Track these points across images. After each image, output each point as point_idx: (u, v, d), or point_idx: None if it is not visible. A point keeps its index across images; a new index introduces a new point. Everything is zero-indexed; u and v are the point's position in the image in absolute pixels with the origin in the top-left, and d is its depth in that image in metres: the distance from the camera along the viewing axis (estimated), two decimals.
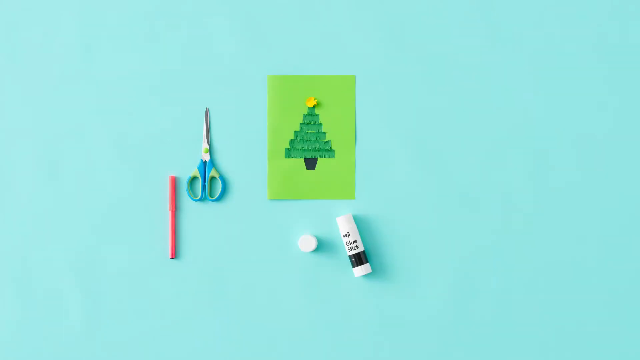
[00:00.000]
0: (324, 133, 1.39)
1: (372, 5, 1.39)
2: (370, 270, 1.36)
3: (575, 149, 1.39)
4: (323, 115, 1.38)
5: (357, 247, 1.35)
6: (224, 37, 1.39)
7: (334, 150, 1.38)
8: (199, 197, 1.39)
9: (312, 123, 1.39)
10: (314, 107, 1.38)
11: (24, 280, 1.39)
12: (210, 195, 1.39)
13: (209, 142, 1.39)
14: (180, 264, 1.39)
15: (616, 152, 1.39)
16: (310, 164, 1.39)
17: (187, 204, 1.39)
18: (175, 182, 1.39)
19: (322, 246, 1.39)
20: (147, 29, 1.39)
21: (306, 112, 1.39)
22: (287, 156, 1.39)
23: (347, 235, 1.35)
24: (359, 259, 1.35)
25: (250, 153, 1.39)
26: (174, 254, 1.38)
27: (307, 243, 1.34)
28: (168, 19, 1.39)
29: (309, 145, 1.39)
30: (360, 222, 1.39)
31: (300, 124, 1.39)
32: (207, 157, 1.38)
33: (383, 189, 1.39)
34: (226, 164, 1.39)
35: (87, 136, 1.39)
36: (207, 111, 1.38)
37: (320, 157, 1.39)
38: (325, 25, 1.39)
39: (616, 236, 1.39)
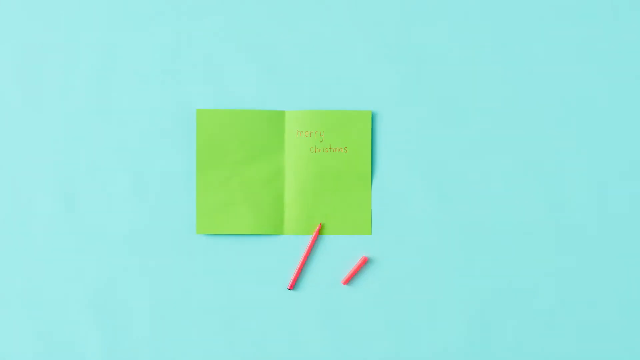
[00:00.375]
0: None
1: (390, 40, 1.39)
2: None
3: (597, 186, 1.38)
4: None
5: None
6: (240, 73, 1.39)
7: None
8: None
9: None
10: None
11: (42, 317, 1.39)
12: None
13: None
14: (203, 296, 1.39)
15: (638, 187, 1.39)
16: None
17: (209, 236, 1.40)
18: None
19: (340, 281, 1.39)
20: (163, 66, 1.40)
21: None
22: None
23: None
24: None
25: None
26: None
27: None
28: (184, 57, 1.40)
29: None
30: (376, 257, 1.39)
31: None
32: None
33: (400, 224, 1.39)
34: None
35: (104, 170, 1.39)
36: None
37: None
38: (343, 60, 1.39)
39: (638, 276, 1.38)
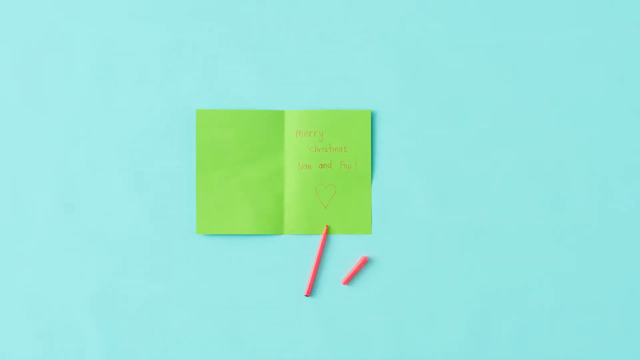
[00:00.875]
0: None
1: (390, 40, 1.40)
2: None
3: (597, 186, 1.38)
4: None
5: None
6: (240, 73, 1.40)
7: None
8: None
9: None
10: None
11: (42, 317, 1.39)
12: None
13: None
14: (203, 297, 1.39)
15: (638, 188, 1.39)
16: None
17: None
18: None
19: (339, 282, 1.39)
20: (163, 66, 1.40)
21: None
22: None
23: None
24: None
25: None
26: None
27: None
28: (184, 57, 1.40)
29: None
30: (376, 257, 1.39)
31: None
32: None
33: (400, 224, 1.39)
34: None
35: (104, 170, 1.39)
36: None
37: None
38: (342, 60, 1.40)
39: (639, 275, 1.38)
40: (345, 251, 1.39)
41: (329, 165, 1.39)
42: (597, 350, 1.38)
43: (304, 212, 1.38)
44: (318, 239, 1.39)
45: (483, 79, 1.39)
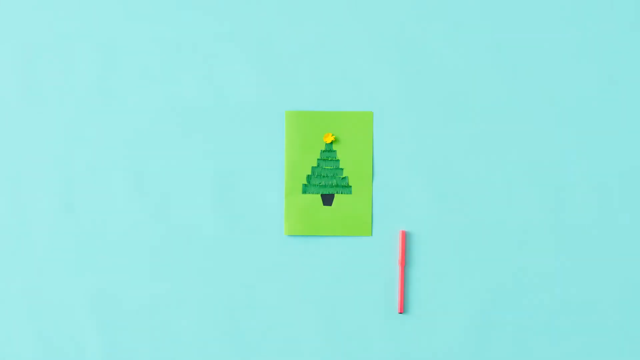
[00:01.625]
0: (341, 169, 1.39)
1: (390, 41, 1.40)
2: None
3: (597, 186, 1.38)
4: (340, 151, 1.39)
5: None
6: (241, 72, 1.39)
7: (351, 186, 1.39)
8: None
9: (329, 159, 1.39)
10: (331, 143, 1.39)
11: (42, 317, 1.39)
12: None
13: None
14: (203, 297, 1.39)
15: (638, 189, 1.39)
16: (327, 200, 1.39)
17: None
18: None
19: (339, 283, 1.39)
20: (165, 66, 1.40)
21: (324, 148, 1.39)
22: (304, 192, 1.39)
23: None
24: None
25: (267, 188, 1.39)
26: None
27: None
28: (185, 56, 1.40)
29: (326, 181, 1.39)
30: (376, 259, 1.39)
31: (318, 159, 1.39)
32: None
33: (400, 225, 1.39)
34: (242, 198, 1.39)
35: (104, 170, 1.39)
36: None
37: (337, 193, 1.39)
38: (343, 61, 1.40)
39: (638, 276, 1.38)
40: (345, 252, 1.39)
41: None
42: (597, 350, 1.38)
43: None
44: (318, 239, 1.39)
45: (483, 79, 1.39)
